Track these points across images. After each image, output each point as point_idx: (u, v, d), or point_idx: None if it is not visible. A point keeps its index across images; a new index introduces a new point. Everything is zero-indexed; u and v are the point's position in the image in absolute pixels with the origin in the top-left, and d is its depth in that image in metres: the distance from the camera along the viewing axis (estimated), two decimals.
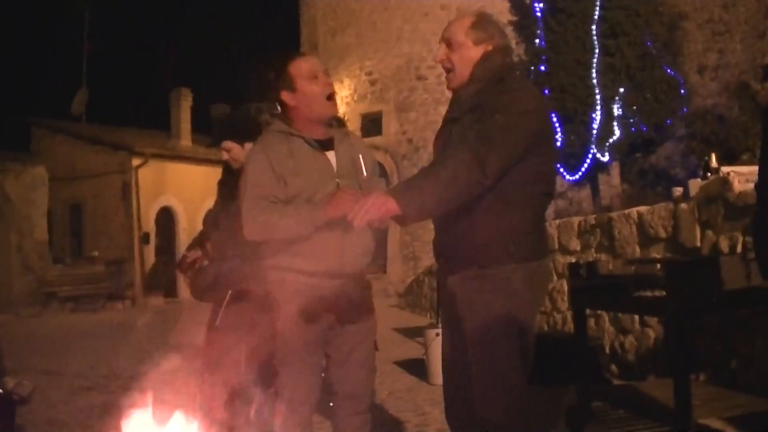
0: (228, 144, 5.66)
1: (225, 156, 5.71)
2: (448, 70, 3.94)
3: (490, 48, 3.84)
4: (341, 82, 23.96)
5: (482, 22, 3.91)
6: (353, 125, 22.20)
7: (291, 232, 4.06)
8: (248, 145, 5.66)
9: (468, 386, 3.81)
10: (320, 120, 4.24)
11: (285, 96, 4.24)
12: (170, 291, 26.65)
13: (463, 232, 3.72)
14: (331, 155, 4.23)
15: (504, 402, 3.68)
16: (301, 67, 4.24)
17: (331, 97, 4.25)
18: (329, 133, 4.28)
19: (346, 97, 23.94)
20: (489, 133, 3.52)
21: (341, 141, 4.30)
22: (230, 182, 5.76)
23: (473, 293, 3.71)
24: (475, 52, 3.84)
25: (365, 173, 4.32)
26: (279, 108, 4.35)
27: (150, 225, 27.32)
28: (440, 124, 4.05)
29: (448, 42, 3.93)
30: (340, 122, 4.45)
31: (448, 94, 4.04)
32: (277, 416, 4.24)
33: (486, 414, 3.70)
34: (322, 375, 4.38)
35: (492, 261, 3.66)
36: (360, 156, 4.34)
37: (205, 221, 6.05)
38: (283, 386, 4.24)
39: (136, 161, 26.65)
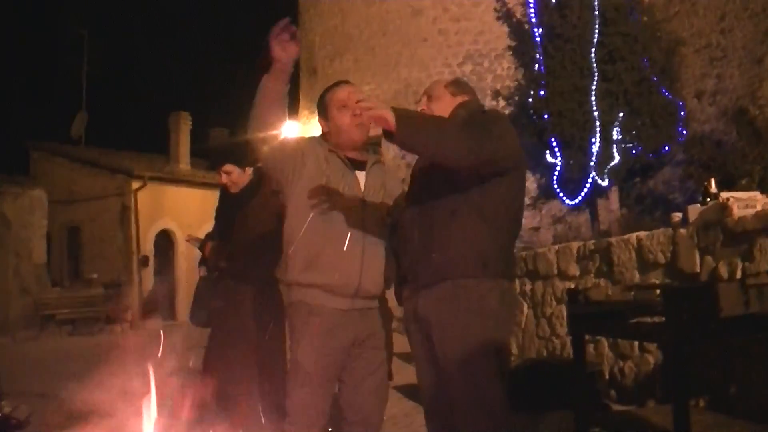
0: (228, 167, 5.65)
1: (224, 179, 5.70)
2: None
3: (466, 98, 4.17)
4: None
5: (458, 81, 4.33)
6: None
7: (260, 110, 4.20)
8: (248, 170, 5.68)
9: (450, 413, 3.83)
10: (348, 147, 4.36)
11: (320, 121, 4.48)
12: (169, 314, 26.61)
13: (439, 244, 3.81)
14: (361, 175, 4.36)
15: (487, 423, 3.70)
16: (333, 97, 4.41)
17: (360, 126, 4.32)
18: (363, 156, 4.44)
19: None
20: (486, 127, 3.75)
21: (373, 164, 4.45)
22: (227, 209, 5.76)
23: (448, 316, 3.77)
24: (452, 102, 4.14)
25: (390, 200, 4.45)
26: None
27: (148, 248, 27.28)
28: None
29: (429, 96, 4.23)
30: (376, 149, 4.54)
31: None
32: None
33: None
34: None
35: (467, 274, 3.73)
36: (388, 183, 4.52)
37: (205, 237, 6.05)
38: (292, 408, 4.26)
39: (134, 184, 26.64)
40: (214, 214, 5.97)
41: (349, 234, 4.17)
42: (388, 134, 3.54)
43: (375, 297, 4.33)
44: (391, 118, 3.47)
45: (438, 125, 3.72)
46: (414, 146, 3.70)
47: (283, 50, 3.98)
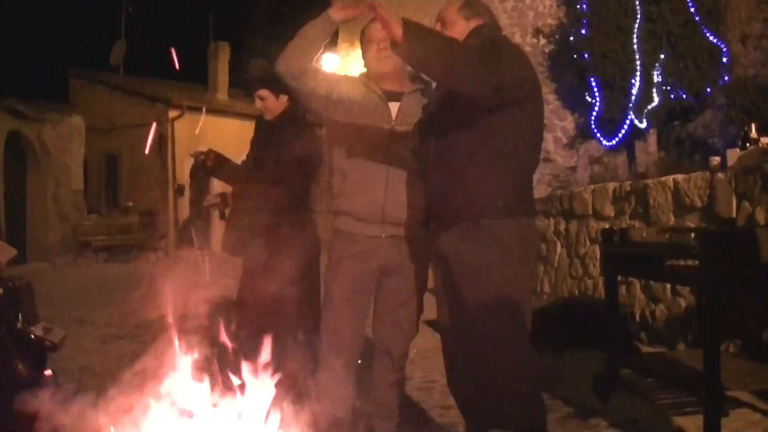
0: (263, 92, 5.64)
1: (258, 104, 5.69)
2: None
3: (480, 22, 4.01)
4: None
5: (471, 2, 4.10)
6: None
7: (308, 38, 4.21)
8: (283, 97, 5.66)
9: (469, 350, 3.84)
10: (380, 78, 4.43)
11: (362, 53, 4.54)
12: (204, 243, 26.80)
13: (455, 186, 3.77)
14: (394, 106, 4.39)
15: (508, 360, 3.71)
16: (364, 32, 4.49)
17: (384, 59, 4.35)
18: (404, 86, 4.47)
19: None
20: (495, 56, 3.65)
21: (411, 95, 4.45)
22: (261, 137, 5.74)
23: (467, 253, 3.75)
24: (467, 27, 3.99)
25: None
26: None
27: (185, 177, 27.39)
28: None
29: (442, 21, 4.08)
30: (422, 81, 4.55)
31: None
32: (319, 362, 4.32)
33: (491, 373, 3.72)
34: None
35: (484, 214, 3.70)
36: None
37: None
38: (323, 333, 4.33)
39: (172, 113, 26.71)
40: (250, 143, 5.96)
41: (373, 161, 4.27)
42: (394, 44, 3.50)
43: (403, 224, 4.33)
44: (397, 26, 3.41)
45: (448, 44, 3.62)
46: (420, 61, 3.63)
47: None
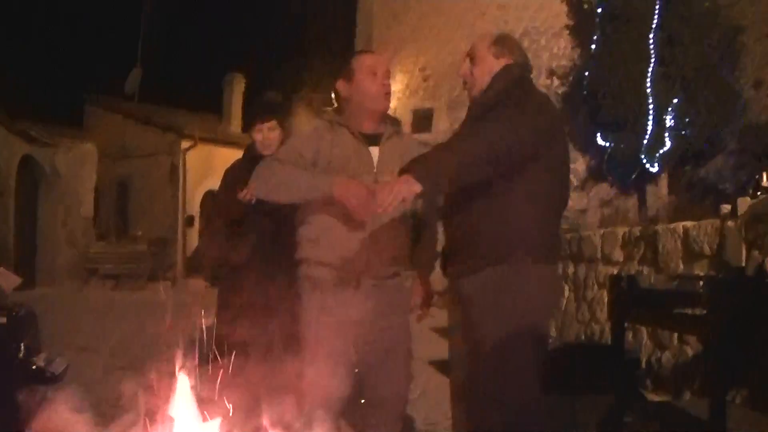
0: (274, 123, 5.54)
1: (267, 135, 5.54)
2: (468, 83, 4.08)
3: (510, 61, 4.00)
4: (394, 77, 23.56)
5: (503, 39, 4.11)
6: (404, 120, 22.02)
7: (292, 190, 4.12)
8: (281, 131, 5.64)
9: (480, 392, 3.78)
10: (370, 115, 4.28)
11: (341, 86, 4.34)
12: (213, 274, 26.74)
13: (479, 228, 3.75)
14: (375, 150, 4.24)
15: (521, 406, 3.68)
16: (362, 61, 4.33)
17: (386, 96, 4.29)
18: (379, 128, 4.31)
19: (398, 92, 23.74)
20: (510, 118, 3.62)
21: (389, 137, 4.30)
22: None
23: (490, 297, 3.70)
24: (496, 65, 4.00)
25: None
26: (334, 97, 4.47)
27: (195, 208, 27.44)
28: None
29: (471, 57, 4.09)
30: (395, 122, 4.47)
31: None
32: (303, 416, 4.20)
33: (502, 418, 3.67)
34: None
35: (509, 258, 3.68)
36: (406, 156, 4.28)
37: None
38: (308, 384, 4.20)
39: (185, 144, 26.78)
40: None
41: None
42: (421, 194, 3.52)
43: (386, 273, 4.19)
44: (416, 187, 3.41)
45: (451, 157, 3.58)
46: (446, 185, 3.66)
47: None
